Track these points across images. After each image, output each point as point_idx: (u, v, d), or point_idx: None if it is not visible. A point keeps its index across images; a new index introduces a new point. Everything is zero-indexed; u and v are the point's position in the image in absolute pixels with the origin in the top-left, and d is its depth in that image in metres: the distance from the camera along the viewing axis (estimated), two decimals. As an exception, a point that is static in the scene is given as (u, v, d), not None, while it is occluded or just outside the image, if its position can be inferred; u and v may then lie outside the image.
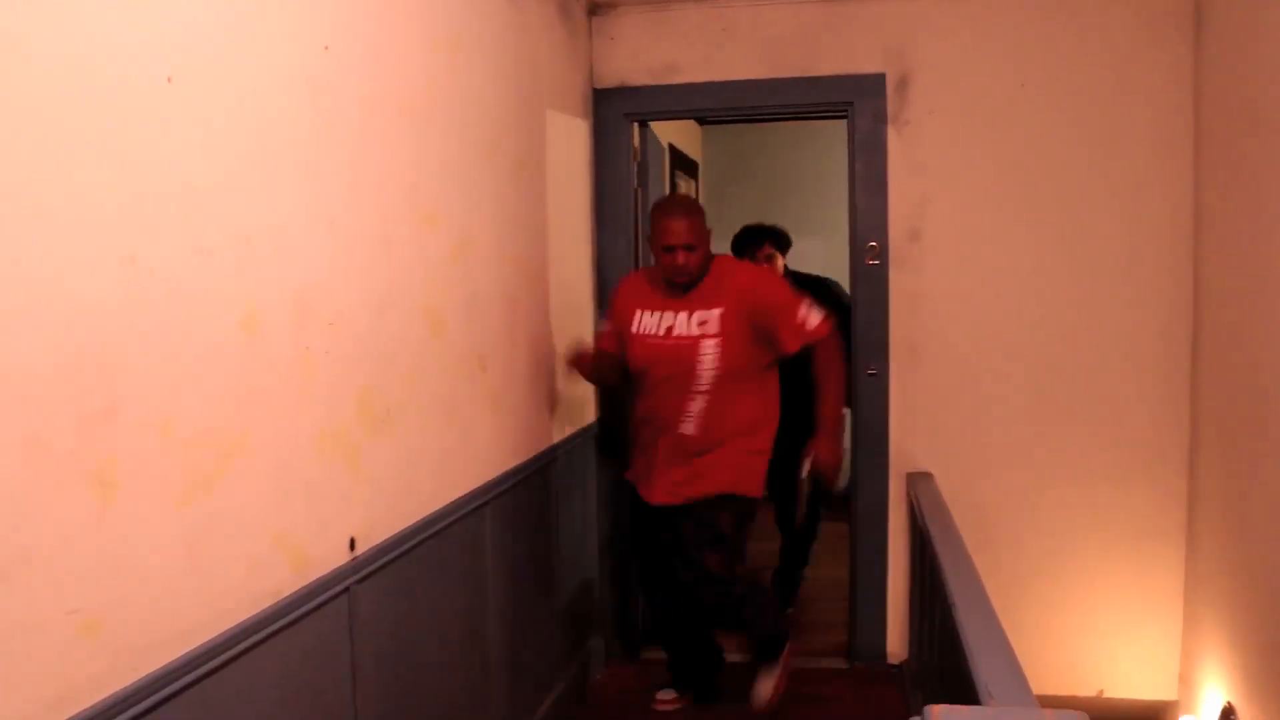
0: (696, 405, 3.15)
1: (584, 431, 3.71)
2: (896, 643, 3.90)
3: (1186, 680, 3.62)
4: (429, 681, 2.30)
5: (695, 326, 3.14)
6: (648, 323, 3.22)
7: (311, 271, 1.80)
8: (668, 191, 5.15)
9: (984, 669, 1.86)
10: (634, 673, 3.92)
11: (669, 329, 3.17)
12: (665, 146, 5.05)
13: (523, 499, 2.97)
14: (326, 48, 1.85)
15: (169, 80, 1.40)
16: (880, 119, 3.75)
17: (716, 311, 3.13)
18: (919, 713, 1.65)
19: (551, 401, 3.31)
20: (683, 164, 5.91)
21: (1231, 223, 3.24)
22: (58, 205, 1.21)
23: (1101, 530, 3.72)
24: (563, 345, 3.39)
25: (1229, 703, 3.08)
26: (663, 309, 3.20)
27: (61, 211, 1.22)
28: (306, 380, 1.78)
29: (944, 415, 3.80)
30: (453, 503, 2.44)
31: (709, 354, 3.11)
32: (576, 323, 3.67)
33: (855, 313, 3.84)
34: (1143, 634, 3.72)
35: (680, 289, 3.18)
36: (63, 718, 1.22)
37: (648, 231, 3.30)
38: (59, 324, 1.22)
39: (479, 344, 2.65)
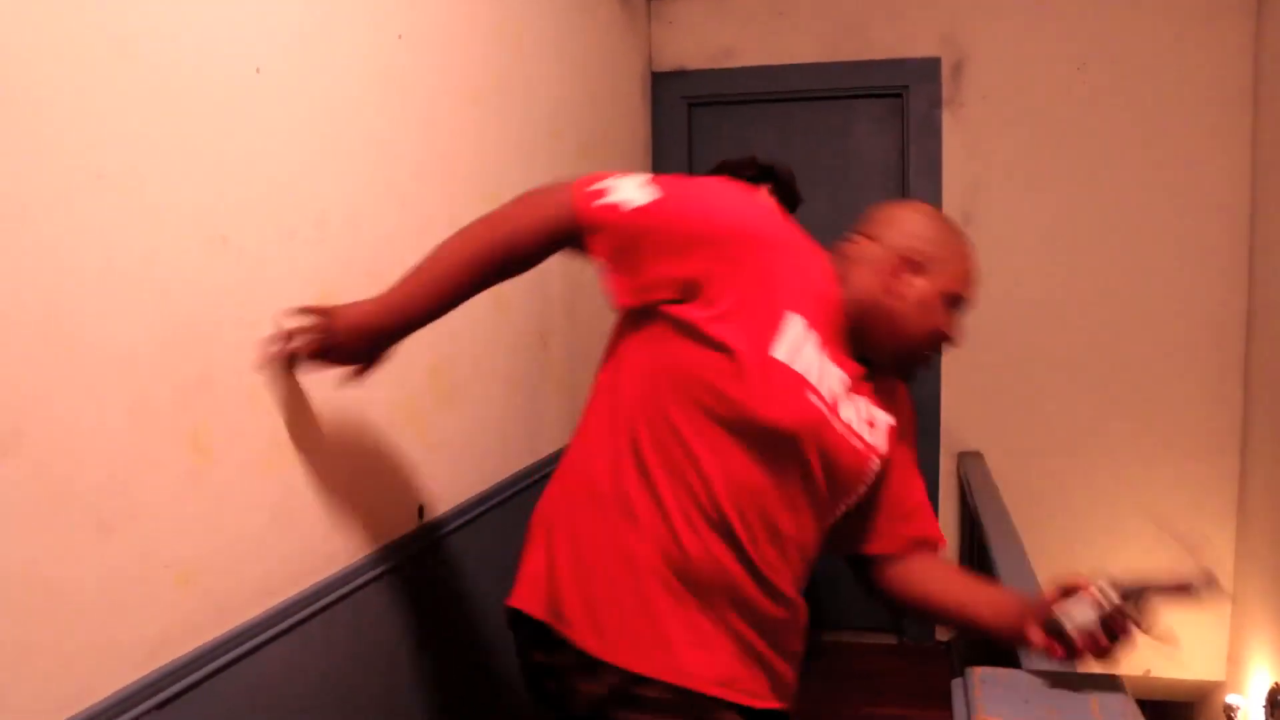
0: (795, 545, 1.60)
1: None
2: (945, 620, 3.92)
3: (1235, 660, 3.63)
4: (492, 645, 2.39)
5: (872, 432, 1.68)
6: (814, 372, 1.54)
7: (384, 249, 1.88)
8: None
9: (1027, 638, 1.91)
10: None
11: (848, 422, 1.61)
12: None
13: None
14: (400, 36, 1.93)
15: (258, 71, 1.49)
16: (935, 103, 3.77)
17: (887, 422, 1.74)
18: (963, 683, 1.70)
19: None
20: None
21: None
22: (159, 191, 1.29)
23: (1150, 509, 3.71)
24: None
25: (1277, 683, 3.10)
26: (841, 372, 1.60)
27: (161, 196, 1.30)
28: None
29: (995, 396, 3.82)
30: (516, 474, 2.52)
31: (869, 478, 1.70)
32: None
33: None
34: (1191, 614, 3.72)
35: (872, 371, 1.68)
36: (161, 662, 1.31)
37: (906, 248, 1.69)
38: (159, 300, 1.30)
39: (541, 322, 2.72)
